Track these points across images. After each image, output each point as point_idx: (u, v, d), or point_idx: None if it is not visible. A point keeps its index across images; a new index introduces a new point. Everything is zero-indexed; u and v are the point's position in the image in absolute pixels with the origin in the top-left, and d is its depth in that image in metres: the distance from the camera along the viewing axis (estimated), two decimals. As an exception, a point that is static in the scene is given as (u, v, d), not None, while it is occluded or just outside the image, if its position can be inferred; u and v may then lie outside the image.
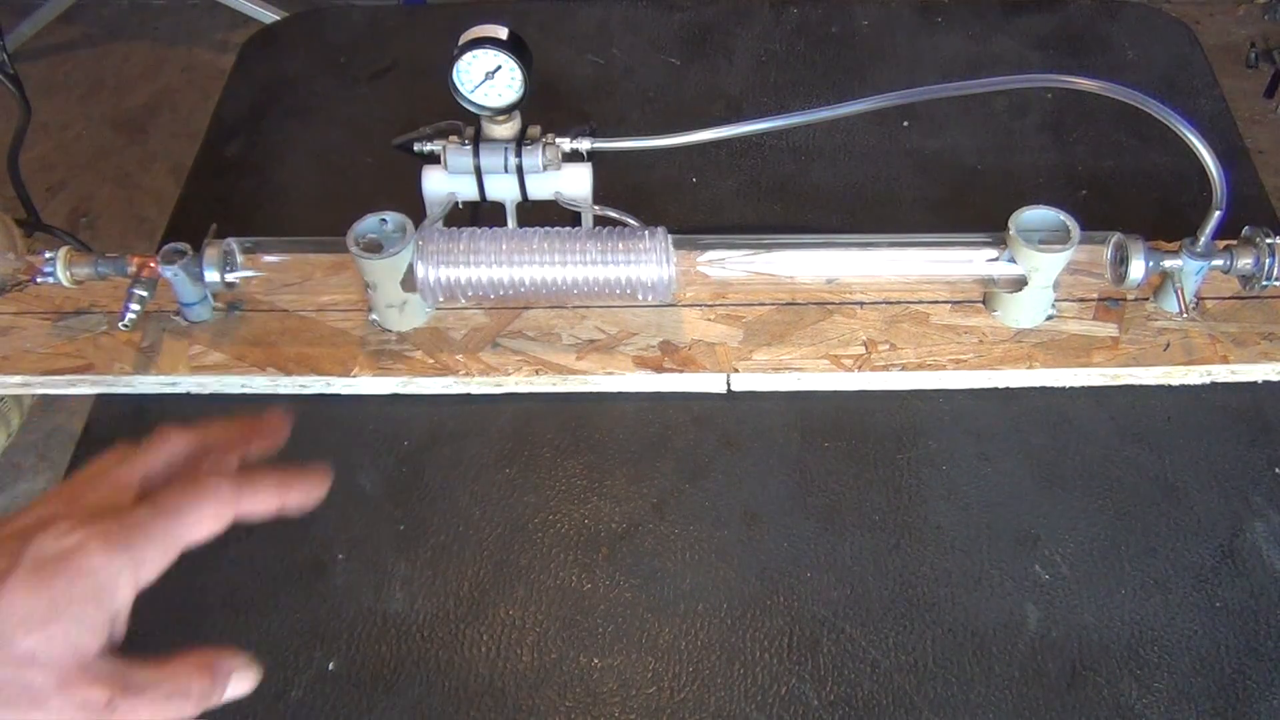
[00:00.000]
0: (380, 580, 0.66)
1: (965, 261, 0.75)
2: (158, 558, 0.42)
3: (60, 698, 0.39)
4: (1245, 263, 0.73)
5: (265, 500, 0.45)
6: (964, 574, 0.65)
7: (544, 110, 0.79)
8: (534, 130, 0.76)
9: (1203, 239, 0.72)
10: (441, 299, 0.73)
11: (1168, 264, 0.73)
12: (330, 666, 0.62)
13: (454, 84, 0.72)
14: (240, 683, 0.44)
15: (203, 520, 0.43)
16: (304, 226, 0.82)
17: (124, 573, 0.40)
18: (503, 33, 0.71)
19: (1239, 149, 0.91)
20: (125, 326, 0.71)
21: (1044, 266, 0.72)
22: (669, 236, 0.72)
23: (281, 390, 0.74)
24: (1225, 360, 0.74)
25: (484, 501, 0.69)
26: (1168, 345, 0.74)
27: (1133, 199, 0.88)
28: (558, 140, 0.76)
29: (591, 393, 0.74)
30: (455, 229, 0.73)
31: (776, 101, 0.97)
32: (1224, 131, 0.93)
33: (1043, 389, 0.74)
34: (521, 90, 0.72)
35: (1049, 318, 0.76)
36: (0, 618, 0.38)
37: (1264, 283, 0.72)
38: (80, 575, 0.40)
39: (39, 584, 0.39)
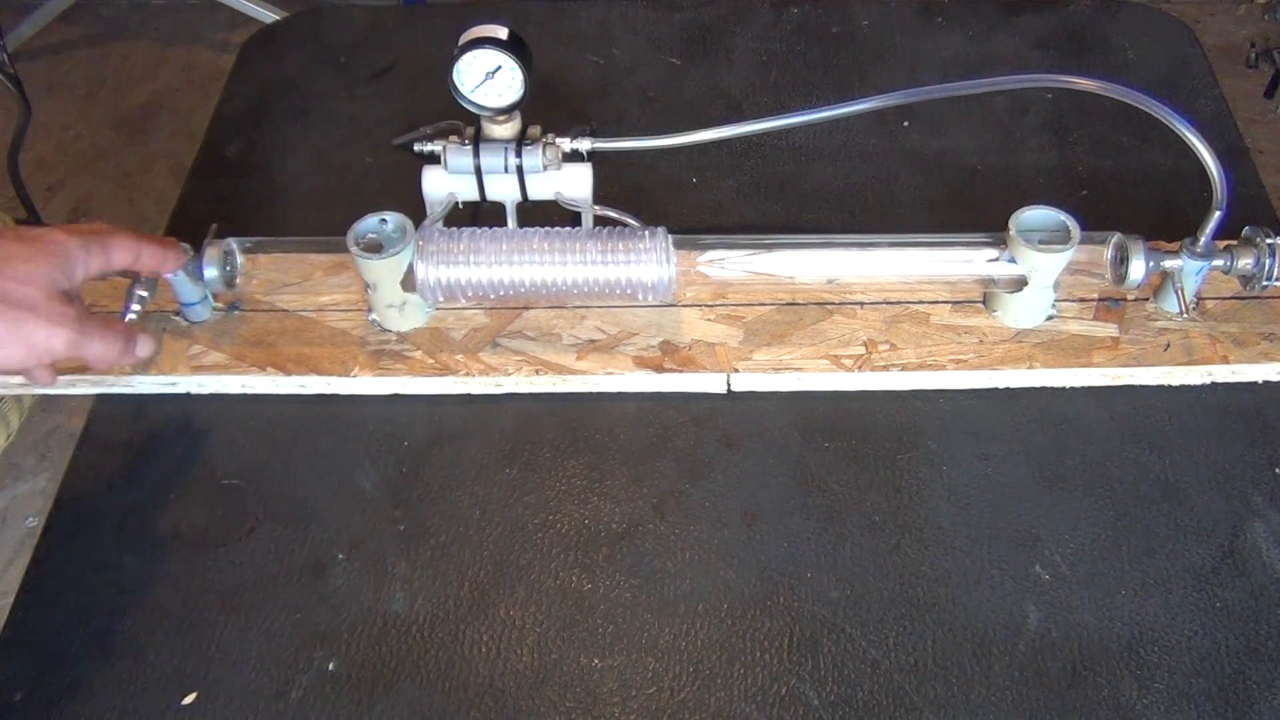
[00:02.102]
0: (380, 580, 0.66)
1: (965, 261, 0.75)
2: (99, 255, 0.62)
3: (46, 305, 0.58)
4: (1245, 263, 0.73)
5: (153, 255, 0.67)
6: (964, 574, 0.65)
7: (544, 110, 0.79)
8: (534, 130, 0.76)
9: (1203, 239, 0.72)
10: (441, 299, 0.73)
11: (1168, 264, 0.73)
12: (330, 666, 0.62)
13: (454, 84, 0.72)
14: (144, 346, 0.66)
15: (120, 249, 0.64)
16: (304, 226, 0.82)
17: (78, 252, 0.61)
18: (503, 33, 0.71)
19: (1239, 149, 0.91)
20: (125, 326, 0.71)
21: (1044, 267, 0.72)
22: (669, 236, 0.72)
23: (281, 390, 0.74)
24: (1225, 360, 0.74)
25: (484, 502, 0.69)
26: (1168, 345, 0.74)
27: (1133, 199, 0.88)
28: (558, 140, 0.76)
29: (591, 393, 0.74)
30: (455, 229, 0.73)
31: (776, 101, 0.97)
32: (1224, 131, 0.93)
33: (1043, 389, 0.74)
34: (521, 90, 0.72)
35: (1049, 318, 0.76)
36: (1, 255, 0.57)
37: (1264, 283, 0.72)
38: (52, 244, 0.60)
39: (23, 241, 0.59)
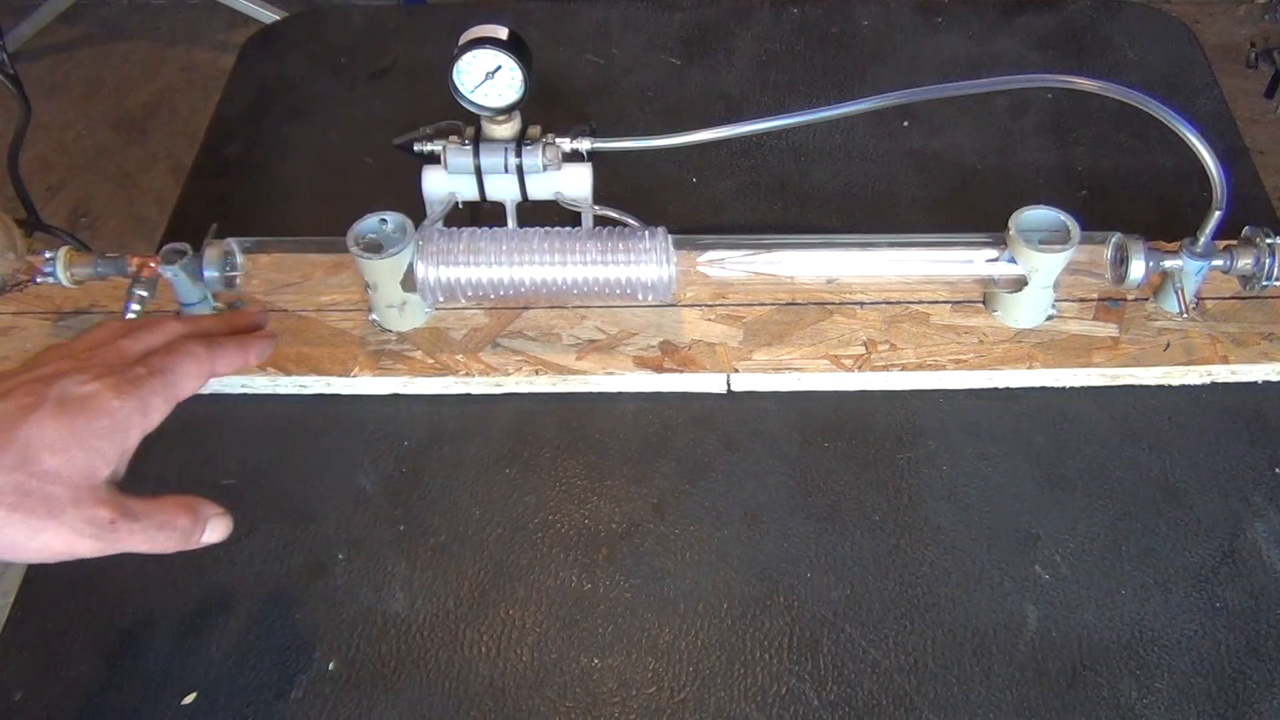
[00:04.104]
0: (380, 580, 0.66)
1: (965, 261, 0.75)
2: (160, 407, 0.51)
3: (73, 511, 0.46)
4: (1245, 263, 0.73)
5: (232, 360, 0.55)
6: (964, 574, 0.65)
7: (544, 110, 0.79)
8: (534, 130, 0.76)
9: (1203, 239, 0.72)
10: (441, 299, 0.73)
11: (1168, 264, 0.73)
12: (330, 666, 0.62)
13: (454, 84, 0.72)
14: (215, 530, 0.53)
15: (188, 377, 0.52)
16: (304, 226, 0.82)
17: (134, 416, 0.49)
18: (503, 33, 0.71)
19: (1239, 149, 0.91)
20: (125, 327, 0.71)
21: (1044, 267, 0.72)
22: (669, 236, 0.72)
23: (281, 390, 0.74)
24: (1225, 360, 0.74)
25: (484, 502, 0.69)
26: (1168, 345, 0.74)
27: (1133, 199, 0.88)
28: (558, 140, 0.76)
29: (591, 393, 0.74)
30: (455, 229, 0.73)
31: (776, 101, 0.97)
32: (1224, 131, 0.93)
33: (1043, 389, 0.74)
34: (521, 90, 0.72)
35: (1049, 318, 0.76)
36: (30, 440, 0.46)
37: (1264, 283, 0.72)
38: (99, 415, 0.47)
39: (63, 417, 0.47)
